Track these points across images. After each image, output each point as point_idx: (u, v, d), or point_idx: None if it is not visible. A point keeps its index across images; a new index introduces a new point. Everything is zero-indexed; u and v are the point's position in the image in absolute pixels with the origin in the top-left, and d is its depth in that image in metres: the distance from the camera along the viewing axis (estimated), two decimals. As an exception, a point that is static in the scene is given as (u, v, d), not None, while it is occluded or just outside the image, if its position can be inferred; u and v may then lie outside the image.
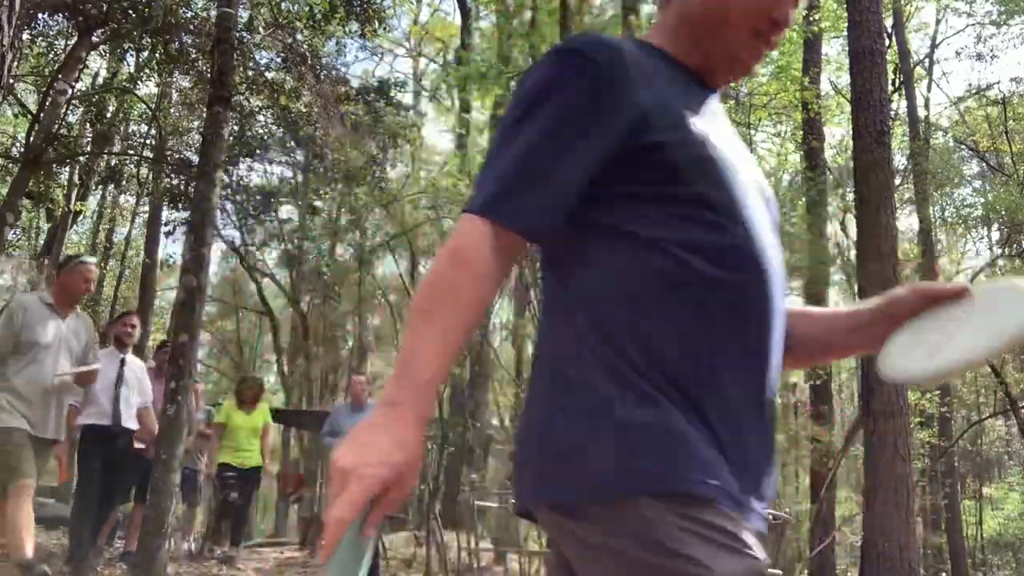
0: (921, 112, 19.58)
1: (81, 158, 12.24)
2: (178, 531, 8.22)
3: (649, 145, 1.07)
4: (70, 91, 10.44)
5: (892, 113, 12.03)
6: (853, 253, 11.08)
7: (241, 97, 10.68)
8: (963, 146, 19.47)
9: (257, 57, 10.73)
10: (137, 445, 5.87)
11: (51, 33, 10.85)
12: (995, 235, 21.13)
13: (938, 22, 21.32)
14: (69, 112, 11.39)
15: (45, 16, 10.10)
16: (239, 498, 7.47)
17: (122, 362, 5.78)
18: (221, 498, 7.69)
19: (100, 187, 15.77)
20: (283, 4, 10.26)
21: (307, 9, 10.13)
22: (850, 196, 13.63)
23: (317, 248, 20.07)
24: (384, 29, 12.60)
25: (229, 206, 14.71)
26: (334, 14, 10.00)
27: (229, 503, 7.45)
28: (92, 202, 18.09)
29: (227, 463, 7.48)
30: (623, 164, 1.07)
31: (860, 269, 7.10)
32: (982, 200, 18.30)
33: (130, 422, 5.80)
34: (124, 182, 14.59)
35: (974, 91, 19.28)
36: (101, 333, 8.26)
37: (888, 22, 14.97)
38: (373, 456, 0.94)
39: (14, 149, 12.94)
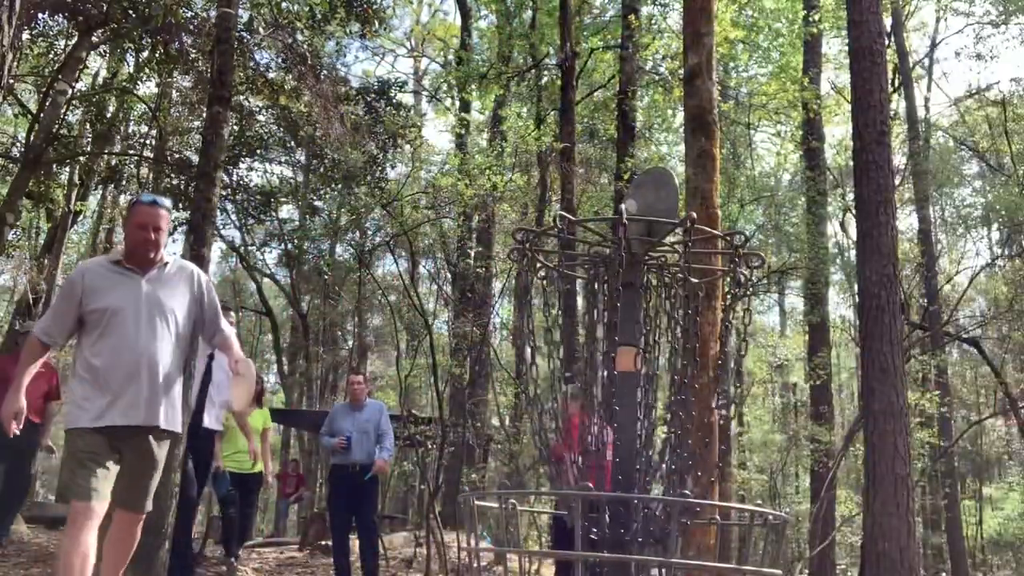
0: (920, 112, 19.60)
1: (81, 158, 12.24)
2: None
3: None
4: (70, 91, 10.45)
5: (891, 113, 12.02)
6: (853, 253, 11.09)
7: (241, 97, 10.68)
8: (963, 146, 19.48)
9: (257, 57, 10.73)
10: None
11: (51, 33, 10.85)
12: (995, 235, 21.14)
13: (938, 21, 21.38)
14: (69, 112, 11.39)
15: (45, 16, 10.09)
16: (239, 508, 7.29)
17: (210, 357, 5.30)
18: (222, 515, 7.49)
19: (100, 187, 15.76)
20: (283, 4, 10.25)
21: (307, 9, 10.13)
22: (850, 196, 13.63)
23: (317, 248, 20.06)
24: (384, 29, 12.61)
25: (229, 206, 14.71)
26: (334, 14, 10.00)
27: (231, 518, 7.27)
28: (92, 202, 18.07)
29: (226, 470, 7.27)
30: None
31: (860, 269, 7.10)
32: (982, 200, 18.31)
33: (213, 423, 5.51)
34: (124, 182, 14.59)
35: (974, 91, 19.30)
36: None
37: (887, 22, 14.97)
38: None
39: (14, 149, 12.95)
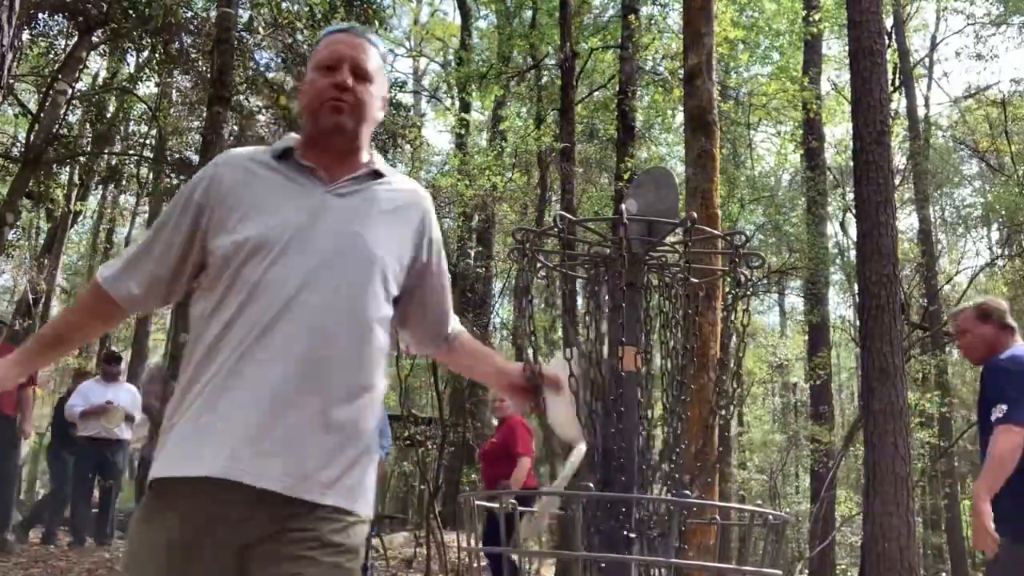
0: (921, 112, 19.61)
1: (81, 158, 12.24)
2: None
3: None
4: (70, 91, 10.45)
5: (892, 113, 12.03)
6: (853, 253, 11.09)
7: (241, 97, 10.69)
8: (963, 146, 19.48)
9: (257, 57, 10.74)
10: None
11: (51, 33, 10.86)
12: (995, 235, 21.14)
13: (938, 21, 21.37)
14: (69, 112, 11.40)
15: (45, 16, 10.10)
16: None
17: None
18: None
19: (100, 187, 15.76)
20: (283, 4, 10.26)
21: (307, 9, 10.13)
22: (850, 196, 13.62)
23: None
24: (384, 29, 12.61)
25: (229, 206, 14.72)
26: (334, 14, 10.00)
27: None
28: (92, 202, 18.08)
29: None
30: None
31: (860, 269, 7.10)
32: (982, 200, 18.33)
33: None
34: (124, 182, 14.59)
35: (974, 91, 19.30)
36: None
37: (888, 21, 14.98)
38: None
39: (14, 149, 12.95)
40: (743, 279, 2.80)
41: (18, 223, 12.28)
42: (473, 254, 16.12)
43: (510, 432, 6.24)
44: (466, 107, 19.19)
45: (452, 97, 21.75)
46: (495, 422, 6.75)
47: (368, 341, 1.62)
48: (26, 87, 13.34)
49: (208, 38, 9.12)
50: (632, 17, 12.65)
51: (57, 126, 10.25)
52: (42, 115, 9.96)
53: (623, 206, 2.78)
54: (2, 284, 22.47)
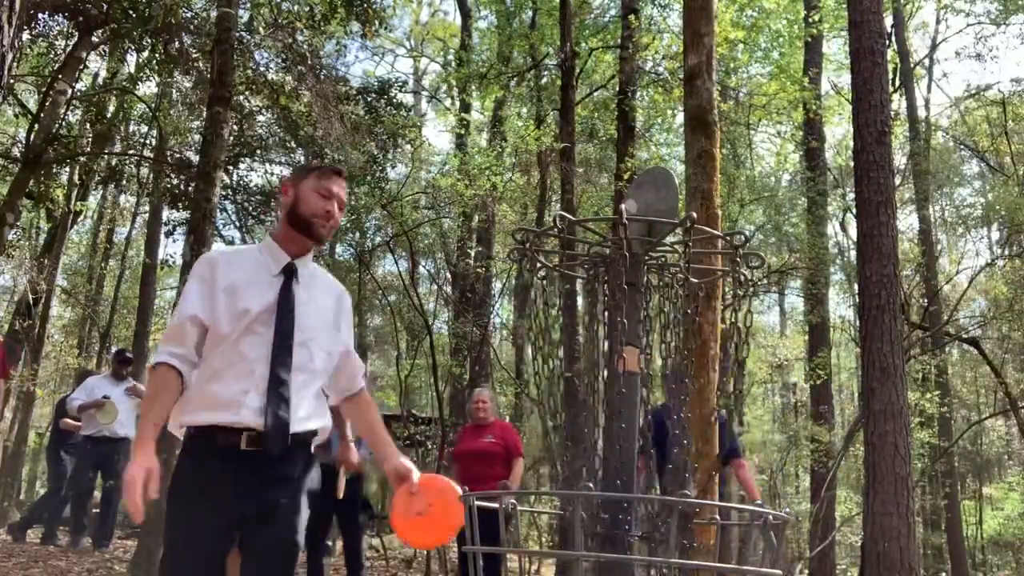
0: (921, 112, 19.60)
1: (81, 158, 12.23)
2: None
3: None
4: (70, 91, 10.44)
5: (892, 113, 12.04)
6: (853, 253, 11.09)
7: (241, 97, 10.67)
8: (963, 146, 19.48)
9: (257, 57, 10.72)
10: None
11: (51, 33, 10.83)
12: (995, 235, 21.14)
13: (938, 22, 21.36)
14: (69, 112, 11.38)
15: (45, 16, 10.08)
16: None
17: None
18: None
19: (100, 187, 15.76)
20: (283, 4, 10.25)
21: (307, 9, 10.12)
22: (850, 196, 13.62)
23: (317, 248, 20.02)
24: (384, 29, 12.59)
25: (229, 206, 14.70)
26: (334, 14, 9.98)
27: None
28: (92, 202, 18.08)
29: None
30: None
31: (860, 269, 7.10)
32: (982, 200, 18.33)
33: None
34: (124, 182, 14.56)
35: (974, 91, 19.29)
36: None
37: (888, 21, 14.97)
38: None
39: (14, 149, 12.93)
40: (743, 279, 2.80)
41: (18, 223, 12.27)
42: (473, 254, 16.12)
43: (508, 433, 6.19)
44: (466, 107, 19.19)
45: (452, 97, 21.74)
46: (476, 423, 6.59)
47: None
48: (26, 87, 13.33)
49: (208, 38, 9.11)
50: (632, 17, 12.65)
51: (57, 126, 10.23)
52: (42, 115, 9.95)
53: (623, 206, 2.78)
54: (2, 284, 22.47)
